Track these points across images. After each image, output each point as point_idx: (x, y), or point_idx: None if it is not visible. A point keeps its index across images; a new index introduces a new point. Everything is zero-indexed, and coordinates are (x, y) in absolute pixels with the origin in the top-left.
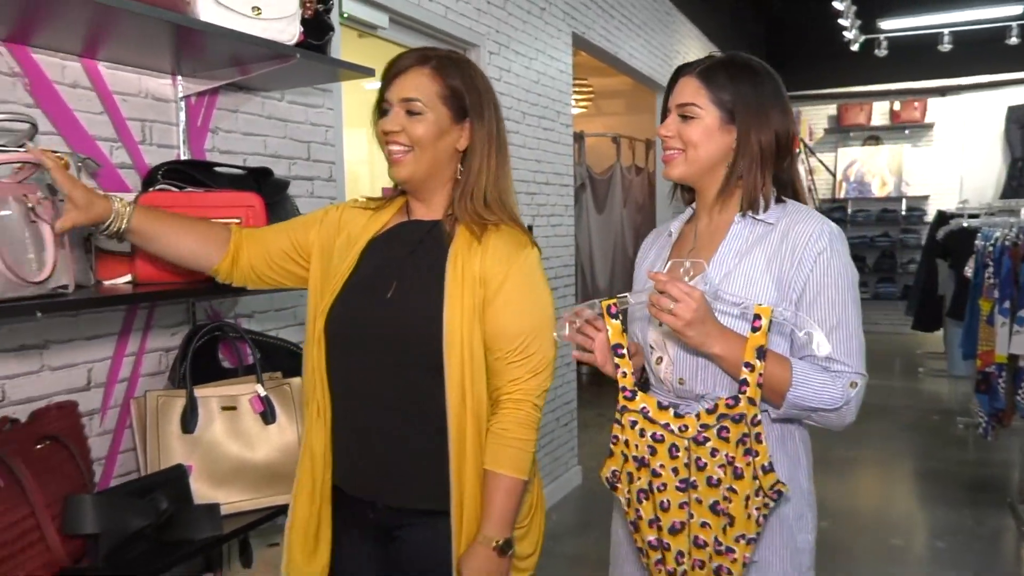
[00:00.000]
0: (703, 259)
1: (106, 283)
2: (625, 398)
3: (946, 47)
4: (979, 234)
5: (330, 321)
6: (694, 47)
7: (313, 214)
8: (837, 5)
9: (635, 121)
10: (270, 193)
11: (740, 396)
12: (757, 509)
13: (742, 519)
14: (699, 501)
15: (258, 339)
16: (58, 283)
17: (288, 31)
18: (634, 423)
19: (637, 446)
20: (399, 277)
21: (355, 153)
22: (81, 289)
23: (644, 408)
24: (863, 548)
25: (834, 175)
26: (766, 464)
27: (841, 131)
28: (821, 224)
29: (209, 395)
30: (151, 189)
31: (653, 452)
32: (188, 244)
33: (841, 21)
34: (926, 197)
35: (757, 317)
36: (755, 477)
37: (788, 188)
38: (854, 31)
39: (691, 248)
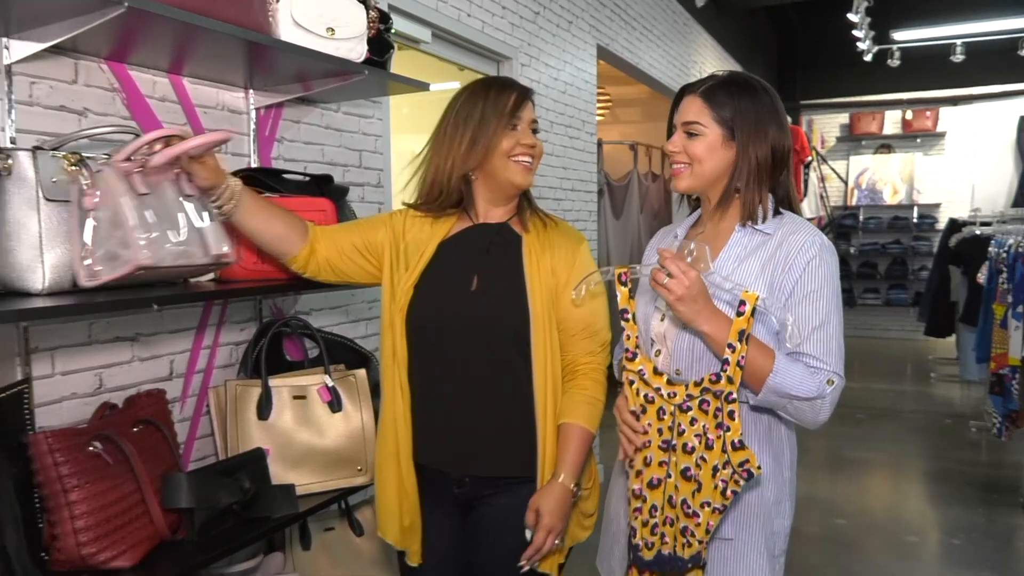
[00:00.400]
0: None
1: (192, 280)
2: (627, 359)
3: (958, 57)
4: (992, 241)
5: (412, 316)
6: (711, 56)
7: (379, 217)
8: (852, 17)
9: (651, 129)
10: (333, 198)
11: (721, 374)
12: (724, 481)
13: (708, 487)
14: (676, 464)
15: (321, 335)
16: (219, 251)
17: (357, 50)
18: (632, 382)
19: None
20: (480, 272)
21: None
22: (174, 286)
23: (642, 370)
24: (878, 545)
25: (846, 183)
26: (736, 441)
27: (853, 139)
28: (813, 236)
29: (281, 385)
30: None
31: (644, 411)
32: (279, 228)
33: (855, 32)
34: (937, 205)
35: (742, 303)
36: (724, 450)
37: (784, 201)
38: (867, 41)
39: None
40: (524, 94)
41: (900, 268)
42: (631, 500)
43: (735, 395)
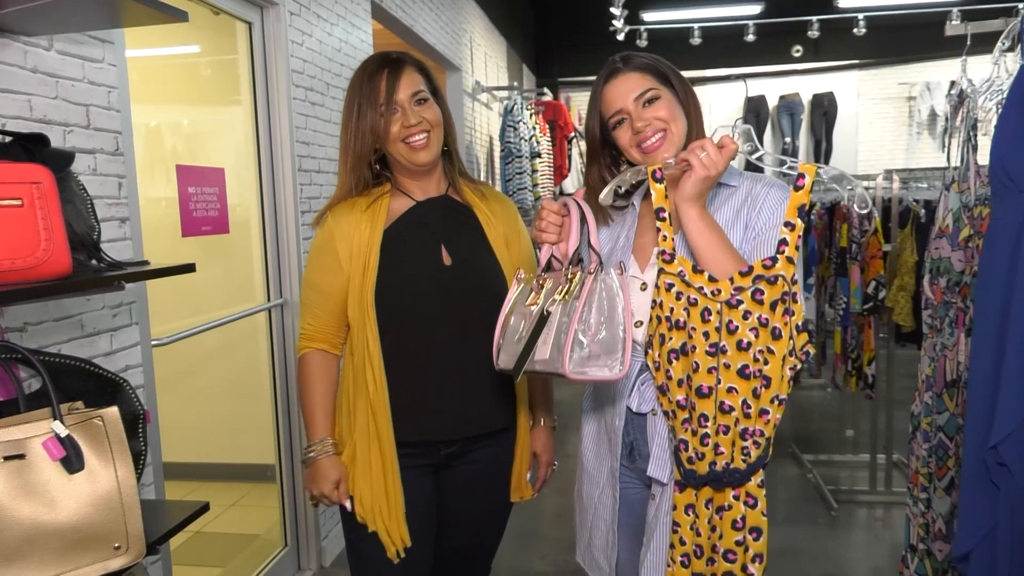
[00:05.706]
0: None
1: None
2: (664, 261)
3: (696, 40)
4: None
5: (382, 304)
6: (479, 27)
7: (322, 259)
8: None
9: None
10: (50, 166)
11: (778, 256)
12: (791, 369)
13: (778, 380)
14: (727, 366)
15: (42, 360)
16: None
17: None
18: (671, 285)
19: (672, 308)
20: (447, 245)
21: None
22: None
23: (681, 271)
24: None
25: None
26: (800, 324)
27: None
28: (776, 182)
29: None
30: None
31: (688, 314)
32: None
33: (612, 10)
34: None
35: (801, 176)
36: (791, 337)
37: None
38: (621, 21)
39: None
40: (395, 71)
41: None
42: (676, 412)
43: (797, 276)
